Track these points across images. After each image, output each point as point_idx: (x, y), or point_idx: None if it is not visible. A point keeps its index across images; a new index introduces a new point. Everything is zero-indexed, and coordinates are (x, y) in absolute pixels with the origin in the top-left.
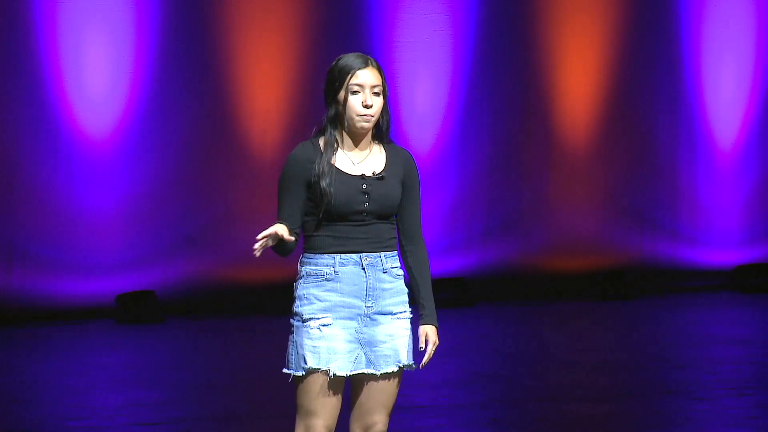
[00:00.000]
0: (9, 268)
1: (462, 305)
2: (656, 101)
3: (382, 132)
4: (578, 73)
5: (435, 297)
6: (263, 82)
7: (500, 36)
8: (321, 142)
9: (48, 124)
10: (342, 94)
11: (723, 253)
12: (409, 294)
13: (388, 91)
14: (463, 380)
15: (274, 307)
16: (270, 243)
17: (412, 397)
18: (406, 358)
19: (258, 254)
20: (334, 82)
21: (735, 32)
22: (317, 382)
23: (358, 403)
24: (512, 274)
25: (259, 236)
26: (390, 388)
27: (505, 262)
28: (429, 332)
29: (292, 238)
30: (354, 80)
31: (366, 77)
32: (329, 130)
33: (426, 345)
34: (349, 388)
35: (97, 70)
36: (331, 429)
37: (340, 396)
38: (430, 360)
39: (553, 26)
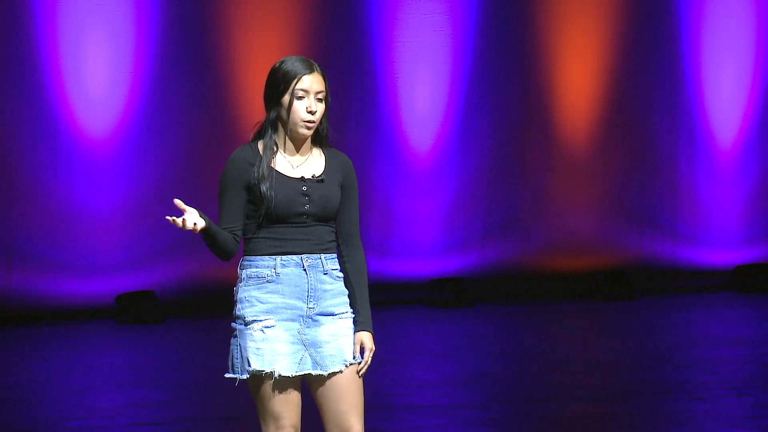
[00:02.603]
0: (9, 268)
1: (462, 305)
2: (656, 101)
3: (321, 137)
4: (578, 73)
5: (435, 297)
6: (263, 82)
7: (500, 36)
8: (260, 146)
9: (48, 124)
10: (286, 98)
11: (723, 253)
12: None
13: (330, 97)
14: (463, 380)
15: None
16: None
17: (412, 397)
18: (351, 356)
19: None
20: (278, 85)
21: (735, 32)
22: (273, 386)
23: (327, 408)
24: (512, 274)
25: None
26: (354, 387)
27: (505, 262)
28: (364, 339)
29: (199, 224)
30: (300, 85)
31: (311, 83)
32: (269, 133)
33: (362, 352)
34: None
35: (97, 70)
36: (297, 429)
37: (299, 395)
38: (368, 366)
39: (553, 26)
